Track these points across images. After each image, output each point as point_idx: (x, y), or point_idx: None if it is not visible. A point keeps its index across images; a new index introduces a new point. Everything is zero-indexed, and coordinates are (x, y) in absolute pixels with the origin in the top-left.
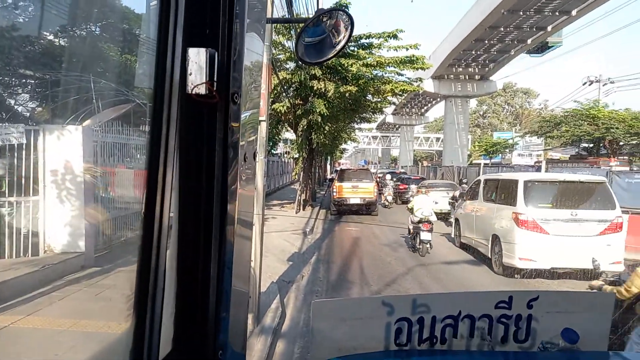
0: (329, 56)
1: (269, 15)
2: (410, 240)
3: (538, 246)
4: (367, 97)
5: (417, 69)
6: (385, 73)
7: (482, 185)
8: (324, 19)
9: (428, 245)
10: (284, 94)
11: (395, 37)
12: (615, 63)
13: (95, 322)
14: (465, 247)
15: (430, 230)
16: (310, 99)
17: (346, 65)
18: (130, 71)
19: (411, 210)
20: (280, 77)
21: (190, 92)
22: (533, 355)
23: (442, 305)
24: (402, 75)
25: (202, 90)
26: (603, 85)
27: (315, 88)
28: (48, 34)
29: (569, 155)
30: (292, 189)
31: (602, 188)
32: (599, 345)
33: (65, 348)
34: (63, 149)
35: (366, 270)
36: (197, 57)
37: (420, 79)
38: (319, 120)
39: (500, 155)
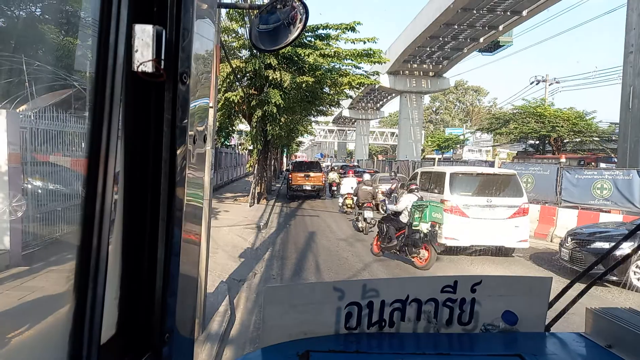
0: (283, 44)
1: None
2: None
3: (460, 227)
4: (324, 90)
5: (374, 62)
6: (343, 65)
7: (419, 177)
8: (279, 6)
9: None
10: (237, 83)
11: (352, 29)
12: (560, 64)
13: (26, 319)
14: None
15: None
16: (265, 89)
17: (303, 55)
18: (71, 54)
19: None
20: (234, 66)
21: (136, 69)
22: (475, 336)
23: (391, 289)
24: (359, 68)
25: (148, 68)
26: (549, 85)
27: (270, 78)
28: None
29: (516, 152)
30: (247, 182)
31: (513, 179)
32: (537, 326)
33: None
34: None
35: (322, 266)
36: (144, 34)
37: (377, 73)
38: (275, 111)
39: (452, 150)
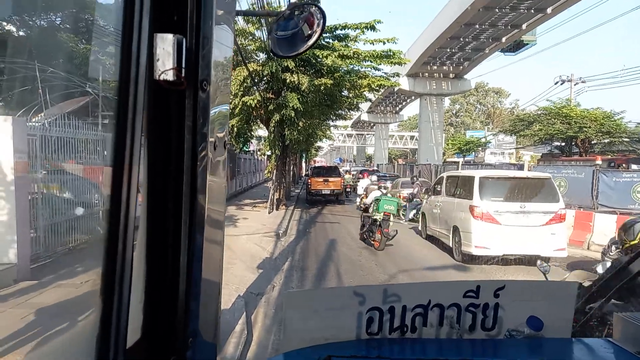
0: (302, 50)
1: (238, 7)
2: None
3: (491, 235)
4: (343, 93)
5: (394, 63)
6: (362, 68)
7: (444, 181)
8: (296, 13)
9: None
10: (254, 87)
11: (372, 28)
12: (585, 64)
13: (54, 325)
14: (430, 238)
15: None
16: (282, 92)
17: (320, 57)
18: (88, 62)
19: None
20: (250, 69)
21: (157, 78)
22: (499, 342)
23: (413, 294)
24: (378, 70)
25: (169, 76)
26: (574, 85)
27: (288, 81)
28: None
29: (540, 154)
30: (266, 188)
31: (548, 183)
32: (563, 332)
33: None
34: None
35: (344, 277)
36: (165, 43)
37: (398, 74)
38: (293, 115)
39: (473, 153)
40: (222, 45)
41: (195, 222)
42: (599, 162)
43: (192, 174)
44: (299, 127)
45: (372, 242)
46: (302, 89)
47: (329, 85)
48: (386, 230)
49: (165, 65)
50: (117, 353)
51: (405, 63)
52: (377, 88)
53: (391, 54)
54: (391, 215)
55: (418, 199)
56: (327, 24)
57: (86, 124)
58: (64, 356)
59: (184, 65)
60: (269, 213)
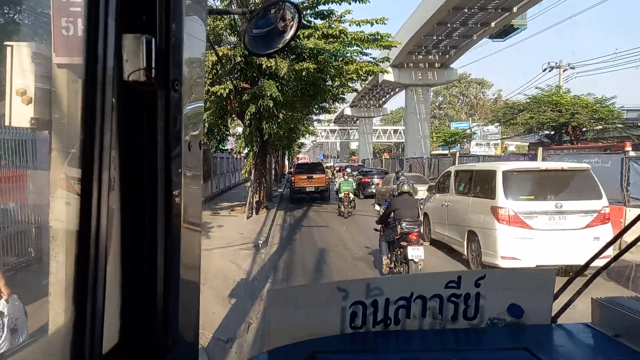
0: (278, 47)
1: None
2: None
3: (521, 242)
4: (327, 82)
5: (383, 47)
6: (348, 53)
7: (452, 177)
8: (271, 10)
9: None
10: (225, 75)
11: None
12: (573, 51)
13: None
14: (436, 243)
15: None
16: (258, 80)
17: (301, 36)
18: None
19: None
20: (220, 54)
21: (126, 79)
22: (481, 330)
23: (395, 287)
24: (366, 55)
25: (139, 77)
26: (563, 71)
27: (264, 67)
28: None
29: (527, 143)
30: (246, 188)
31: (587, 176)
32: (543, 318)
33: None
34: None
35: None
36: (133, 44)
37: (387, 59)
38: (271, 106)
39: (459, 145)
40: (193, 44)
41: (172, 224)
42: (629, 149)
43: (167, 176)
44: (279, 120)
45: (341, 212)
46: (281, 76)
47: (312, 71)
48: (346, 203)
49: (135, 66)
50: (92, 358)
51: (395, 46)
52: (365, 75)
53: (379, 37)
54: (350, 194)
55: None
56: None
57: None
58: None
59: (153, 66)
60: (248, 218)
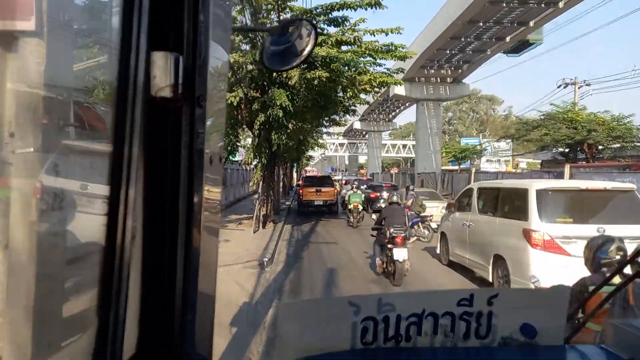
0: (294, 64)
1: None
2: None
3: (557, 271)
4: (339, 93)
5: (398, 58)
6: (361, 64)
7: (475, 194)
8: (289, 28)
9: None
10: (237, 84)
11: (377, 4)
12: (589, 66)
13: (48, 341)
14: (454, 265)
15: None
16: (269, 90)
17: None
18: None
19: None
20: (231, 60)
21: (154, 95)
22: (493, 350)
23: (407, 304)
24: (380, 65)
25: (166, 93)
26: (579, 88)
27: (274, 75)
28: None
29: (540, 161)
30: (253, 201)
31: (632, 197)
32: (556, 339)
33: None
34: None
35: None
36: (161, 61)
37: (402, 70)
38: (280, 115)
39: (469, 161)
40: (218, 61)
41: (192, 238)
42: None
43: (189, 189)
44: (289, 131)
45: (350, 222)
46: (292, 85)
47: (324, 80)
48: (355, 214)
49: (162, 83)
50: None
51: (410, 57)
52: (379, 86)
53: (393, 48)
54: (359, 206)
55: (413, 212)
56: (322, 2)
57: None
58: None
59: (180, 82)
60: (254, 232)
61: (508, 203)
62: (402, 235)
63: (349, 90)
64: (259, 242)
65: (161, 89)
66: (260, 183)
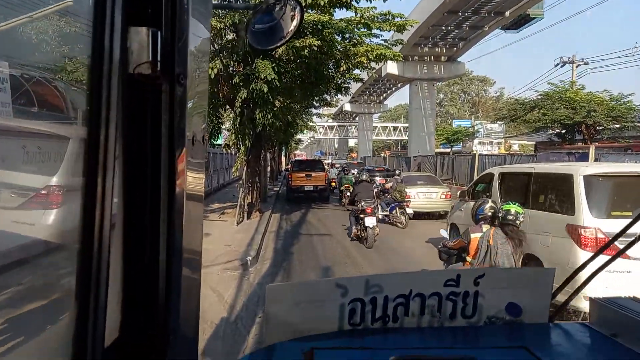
0: (280, 43)
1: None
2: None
3: (614, 278)
4: (330, 68)
5: (396, 28)
6: (355, 34)
7: (496, 181)
8: (274, 6)
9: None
10: (213, 55)
11: None
12: (587, 44)
13: (28, 324)
14: None
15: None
16: (252, 61)
17: (304, 3)
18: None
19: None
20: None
21: (132, 71)
22: (479, 328)
23: (394, 284)
24: (377, 37)
25: (144, 70)
26: (576, 67)
27: None
28: None
29: (534, 142)
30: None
31: None
32: (541, 317)
33: None
34: None
35: None
36: (139, 36)
37: (401, 42)
38: (265, 90)
39: (461, 143)
40: (198, 37)
41: (174, 219)
42: None
43: (170, 170)
44: (275, 109)
45: (343, 203)
46: (278, 56)
47: (315, 49)
48: (347, 194)
49: (140, 59)
50: (94, 353)
51: (412, 25)
52: (375, 60)
53: (391, 17)
54: (351, 187)
55: (390, 197)
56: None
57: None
58: (39, 357)
59: (159, 59)
60: (238, 224)
61: (544, 192)
62: (372, 206)
63: (342, 64)
64: (242, 236)
65: (139, 66)
66: (245, 168)
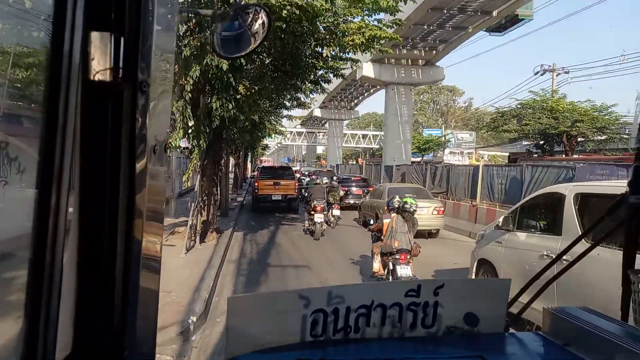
0: (246, 51)
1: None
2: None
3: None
4: (308, 57)
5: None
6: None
7: (573, 207)
8: (242, 14)
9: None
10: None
11: None
12: (567, 52)
13: None
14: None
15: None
16: (208, 27)
17: None
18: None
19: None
20: None
21: (92, 78)
22: (438, 339)
23: (356, 295)
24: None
25: (105, 77)
26: (557, 75)
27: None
28: None
29: (507, 153)
30: (190, 204)
31: None
32: (497, 327)
33: None
34: None
35: None
36: (101, 42)
37: (399, 22)
38: (225, 69)
39: (432, 153)
40: (163, 44)
41: (133, 229)
42: None
43: (130, 179)
44: (239, 97)
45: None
46: None
47: (294, 19)
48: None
49: (101, 65)
50: None
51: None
52: (367, 42)
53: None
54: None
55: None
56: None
57: None
58: None
59: (121, 65)
60: (188, 251)
61: None
62: (322, 205)
63: (326, 48)
64: (190, 273)
65: (100, 72)
66: (198, 176)
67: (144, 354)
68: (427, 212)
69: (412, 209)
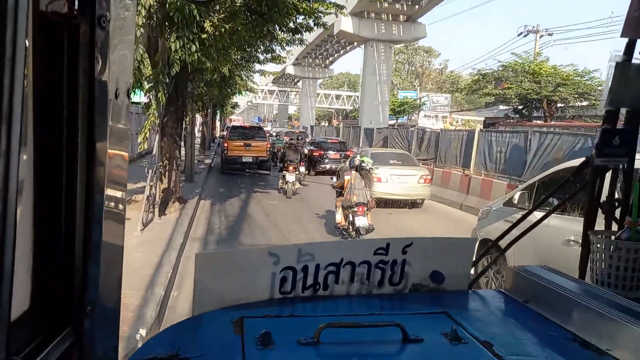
0: None
1: None
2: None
3: None
4: None
5: None
6: None
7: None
8: None
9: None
10: None
11: None
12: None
13: None
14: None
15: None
16: None
17: None
18: None
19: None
20: None
21: (44, 9)
22: (405, 296)
23: (326, 253)
24: None
25: (59, 7)
26: (540, 37)
27: None
28: None
29: (483, 118)
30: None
31: None
32: (462, 284)
33: None
34: None
35: None
36: None
37: None
38: None
39: (406, 116)
40: None
41: (94, 179)
42: None
43: (90, 123)
44: (204, 37)
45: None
46: None
47: None
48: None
49: None
50: None
51: None
52: None
53: None
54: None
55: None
56: None
57: None
58: None
59: None
60: (145, 226)
61: None
62: (294, 165)
63: None
64: (144, 257)
65: (52, 2)
66: (157, 137)
67: (108, 310)
68: (413, 181)
69: (368, 167)
